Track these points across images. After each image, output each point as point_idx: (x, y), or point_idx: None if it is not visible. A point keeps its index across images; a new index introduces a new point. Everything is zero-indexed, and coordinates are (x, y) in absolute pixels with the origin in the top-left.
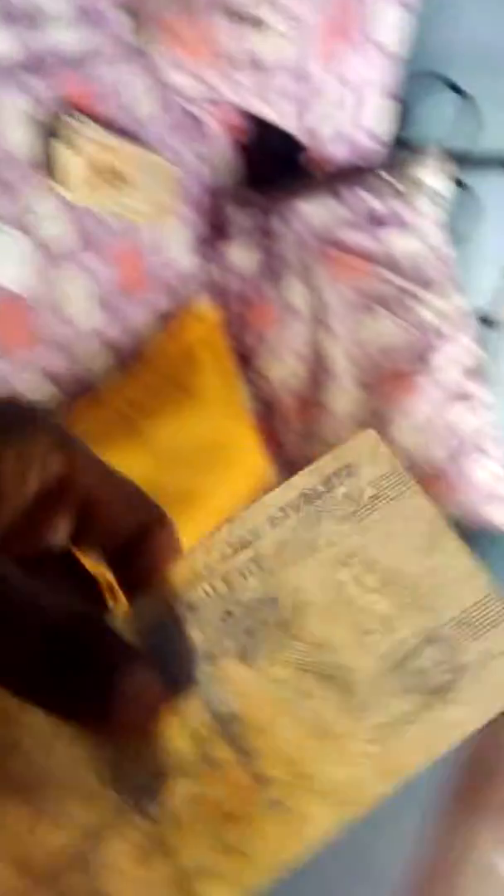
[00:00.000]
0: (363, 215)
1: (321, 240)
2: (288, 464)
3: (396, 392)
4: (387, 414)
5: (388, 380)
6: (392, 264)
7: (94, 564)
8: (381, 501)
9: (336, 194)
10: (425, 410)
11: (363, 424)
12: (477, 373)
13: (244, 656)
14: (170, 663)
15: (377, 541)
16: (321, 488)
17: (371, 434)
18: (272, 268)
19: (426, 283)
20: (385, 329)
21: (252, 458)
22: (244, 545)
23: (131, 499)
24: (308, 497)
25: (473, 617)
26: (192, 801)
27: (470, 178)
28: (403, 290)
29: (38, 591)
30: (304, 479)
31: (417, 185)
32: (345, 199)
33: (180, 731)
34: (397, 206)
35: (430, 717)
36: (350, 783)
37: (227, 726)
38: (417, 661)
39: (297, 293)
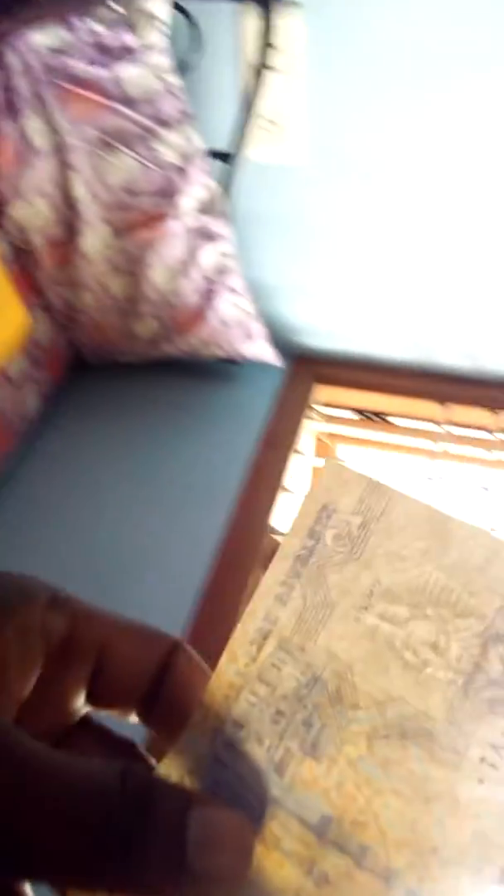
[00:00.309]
0: (94, 46)
1: (54, 72)
2: (48, 309)
3: (147, 234)
4: (140, 257)
5: (138, 222)
6: (127, 100)
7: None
8: (371, 524)
9: (66, 24)
10: (176, 252)
11: (117, 269)
12: (218, 211)
13: (313, 751)
14: (239, 793)
15: (386, 566)
16: (310, 542)
17: (331, 464)
18: (8, 102)
19: (162, 120)
20: (127, 167)
21: (9, 308)
22: (265, 636)
23: (143, 637)
24: (303, 558)
25: None
26: None
27: (196, 9)
28: (141, 127)
29: (71, 762)
30: (291, 543)
31: (146, 16)
32: (75, 28)
33: (280, 860)
34: (127, 38)
35: None
36: (479, 834)
37: (325, 831)
38: (486, 670)
39: (35, 130)
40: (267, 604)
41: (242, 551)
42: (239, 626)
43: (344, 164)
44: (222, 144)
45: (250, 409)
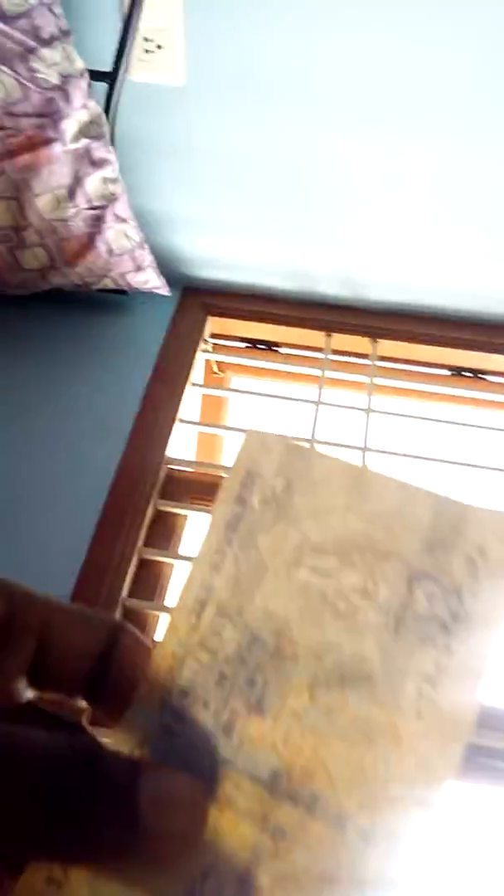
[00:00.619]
0: None
1: None
2: None
3: (29, 159)
4: (23, 183)
5: (19, 146)
6: (0, 14)
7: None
8: (294, 484)
9: None
10: (61, 178)
11: (2, 196)
12: (102, 134)
13: (258, 708)
14: (189, 759)
15: (312, 522)
16: (238, 509)
17: (252, 433)
18: None
19: (40, 37)
20: (4, 86)
21: None
22: (203, 604)
23: (84, 619)
24: (232, 525)
25: (437, 532)
26: (284, 882)
27: None
28: (17, 43)
29: (17, 731)
30: (220, 512)
31: None
32: None
33: (234, 819)
34: None
35: (461, 648)
36: (422, 765)
37: (276, 785)
38: (413, 607)
39: None
40: (202, 573)
41: (139, 483)
42: (178, 597)
43: (225, 84)
44: (102, 65)
45: (142, 340)
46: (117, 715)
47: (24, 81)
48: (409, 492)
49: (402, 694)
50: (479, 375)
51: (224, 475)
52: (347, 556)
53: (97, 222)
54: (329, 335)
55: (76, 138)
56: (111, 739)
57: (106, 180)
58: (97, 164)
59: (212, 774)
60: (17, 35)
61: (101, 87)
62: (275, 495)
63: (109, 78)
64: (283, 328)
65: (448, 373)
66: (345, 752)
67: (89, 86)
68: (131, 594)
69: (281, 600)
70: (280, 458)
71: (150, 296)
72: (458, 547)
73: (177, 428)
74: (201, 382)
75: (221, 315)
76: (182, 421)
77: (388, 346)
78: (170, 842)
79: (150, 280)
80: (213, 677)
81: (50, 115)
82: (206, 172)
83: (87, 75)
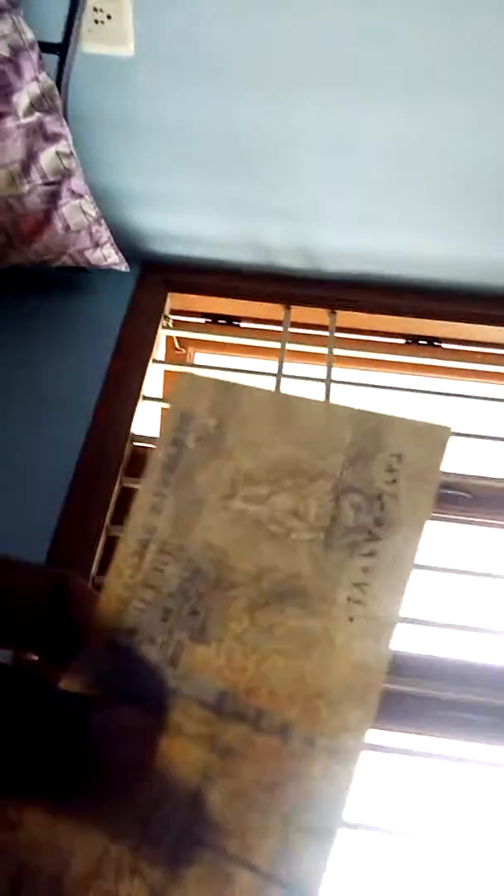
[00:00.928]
0: None
1: None
2: None
3: None
4: None
5: None
6: None
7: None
8: (226, 421)
9: None
10: (14, 153)
11: None
12: (54, 108)
13: (201, 636)
14: (139, 694)
15: (244, 453)
16: (174, 450)
17: (184, 375)
18: None
19: None
20: None
21: None
22: (145, 545)
23: (31, 572)
24: (170, 466)
25: (358, 447)
26: (234, 797)
27: None
28: None
29: None
30: (157, 455)
31: None
32: None
33: (184, 745)
34: None
35: (385, 549)
36: (358, 665)
37: (223, 706)
38: (341, 521)
39: None
40: (143, 516)
41: (105, 461)
42: (119, 543)
43: (175, 55)
44: (52, 37)
45: (103, 318)
46: (67, 662)
47: None
48: (331, 411)
49: (335, 602)
50: (435, 343)
51: None
52: (279, 482)
53: (52, 198)
54: (288, 308)
55: (28, 112)
56: (62, 684)
57: (60, 155)
58: (50, 138)
59: (161, 705)
60: None
61: (52, 59)
62: (209, 433)
63: (60, 49)
64: (242, 302)
65: (404, 342)
66: (284, 665)
67: (40, 58)
68: (100, 571)
69: (218, 532)
70: (212, 398)
71: (109, 273)
72: (377, 457)
73: (140, 405)
74: (163, 359)
75: (181, 290)
76: (146, 398)
77: (346, 318)
78: (122, 772)
79: (109, 256)
80: (158, 613)
81: (1, 89)
82: (160, 146)
83: (37, 47)
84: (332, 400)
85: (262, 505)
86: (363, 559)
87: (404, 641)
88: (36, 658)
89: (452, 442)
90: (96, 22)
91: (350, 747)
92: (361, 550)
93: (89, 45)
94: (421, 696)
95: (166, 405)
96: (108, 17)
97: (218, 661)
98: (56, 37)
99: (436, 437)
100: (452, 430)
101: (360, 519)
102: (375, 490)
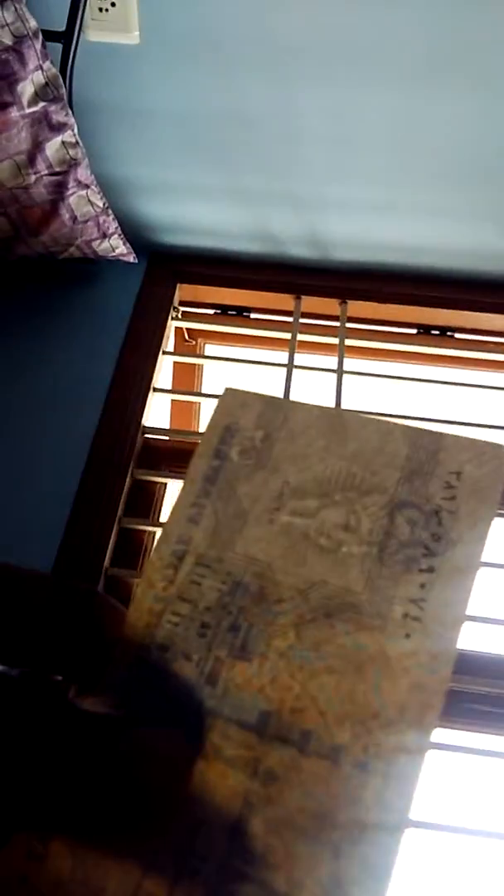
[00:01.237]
0: None
1: None
2: None
3: None
4: None
5: None
6: None
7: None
8: (273, 434)
9: None
10: (22, 145)
11: None
12: (59, 97)
13: (242, 653)
14: (172, 714)
15: (292, 467)
16: (216, 462)
17: (229, 391)
18: None
19: None
20: None
21: None
22: (181, 557)
23: (56, 586)
24: (211, 478)
25: (414, 463)
26: (279, 826)
27: None
28: None
29: None
30: (197, 466)
31: None
32: None
33: (223, 770)
34: None
35: (444, 565)
36: (415, 685)
37: (266, 728)
38: (396, 535)
39: None
40: (179, 527)
41: (116, 453)
42: (152, 553)
43: (181, 42)
44: (56, 24)
45: (112, 310)
46: (95, 682)
47: None
48: (386, 428)
49: (390, 618)
50: (447, 333)
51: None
52: (328, 496)
53: (59, 188)
54: (298, 298)
55: (33, 101)
56: (89, 703)
57: (66, 144)
58: (56, 128)
59: (196, 726)
60: None
61: (56, 49)
62: (254, 446)
63: (64, 38)
64: (252, 293)
65: (416, 331)
66: (335, 685)
67: (44, 46)
68: (113, 564)
69: (262, 544)
70: (258, 412)
71: (117, 264)
72: (435, 473)
73: (151, 397)
74: (173, 350)
75: (190, 281)
76: (156, 389)
77: (357, 307)
78: (153, 797)
79: (117, 247)
80: (194, 628)
81: (4, 79)
82: (167, 135)
83: (40, 35)
84: (345, 392)
85: (310, 518)
86: (420, 575)
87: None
88: (61, 678)
89: (465, 432)
90: (100, 10)
91: (407, 772)
92: (419, 566)
93: (94, 33)
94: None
95: (177, 397)
96: (113, 4)
97: (261, 679)
98: (60, 25)
99: (497, 456)
100: None
101: (417, 535)
102: (433, 506)
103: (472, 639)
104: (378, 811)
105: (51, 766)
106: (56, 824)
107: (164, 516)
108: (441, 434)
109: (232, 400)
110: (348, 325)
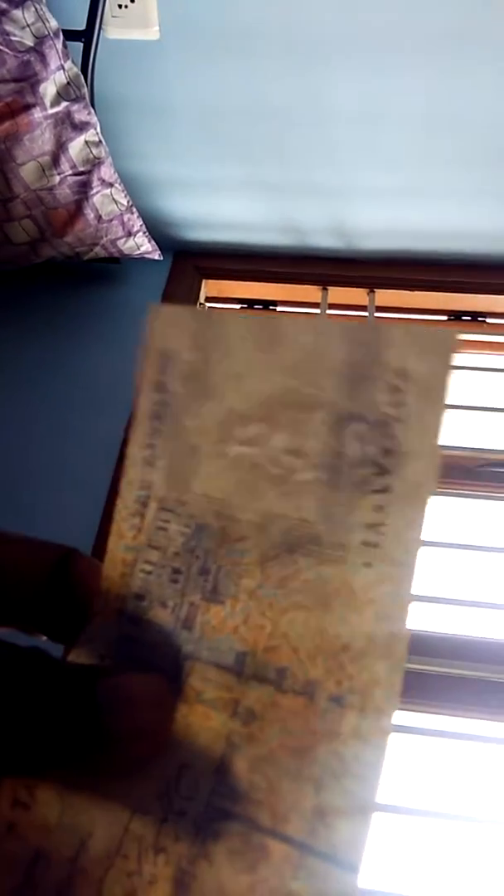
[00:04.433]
0: None
1: None
2: None
3: (10, 127)
4: (10, 156)
5: (1, 117)
6: None
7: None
8: (210, 355)
9: None
10: (46, 146)
11: None
12: (81, 96)
13: (214, 596)
14: (152, 660)
15: (234, 392)
16: (158, 395)
17: (157, 310)
18: None
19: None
20: None
21: None
22: (144, 503)
23: (30, 547)
24: (157, 414)
25: (356, 366)
26: (261, 764)
27: None
28: None
29: None
30: (142, 404)
31: None
32: None
33: (204, 712)
34: None
35: (398, 484)
36: (381, 614)
37: (243, 668)
38: (346, 454)
39: None
40: (137, 472)
41: None
42: (118, 502)
43: (202, 37)
44: (76, 24)
45: (138, 308)
46: (73, 639)
47: None
48: (322, 328)
49: (350, 547)
50: (479, 318)
51: None
52: (273, 418)
53: (83, 188)
54: (325, 289)
55: (55, 102)
56: (70, 656)
57: (89, 143)
58: (79, 127)
59: (176, 670)
60: None
61: (76, 47)
62: (194, 370)
63: (84, 37)
64: (278, 286)
65: (447, 318)
66: (304, 620)
67: (65, 46)
68: None
69: (218, 481)
70: (192, 331)
71: (142, 262)
72: (378, 376)
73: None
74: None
75: (216, 277)
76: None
77: (385, 296)
78: (136, 742)
79: (142, 245)
80: (166, 575)
81: (27, 80)
82: (189, 130)
83: (61, 35)
84: None
85: (258, 446)
86: (375, 496)
87: (422, 620)
88: (43, 636)
89: (496, 418)
90: (120, 6)
91: (381, 704)
92: (372, 486)
93: (114, 30)
94: (438, 675)
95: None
96: (132, 0)
97: (234, 620)
98: (80, 24)
99: (442, 345)
100: (458, 336)
101: (367, 451)
102: (380, 415)
103: (423, 620)
104: (356, 743)
105: (34, 713)
106: (42, 772)
107: None
108: (381, 327)
109: (160, 320)
110: (377, 314)
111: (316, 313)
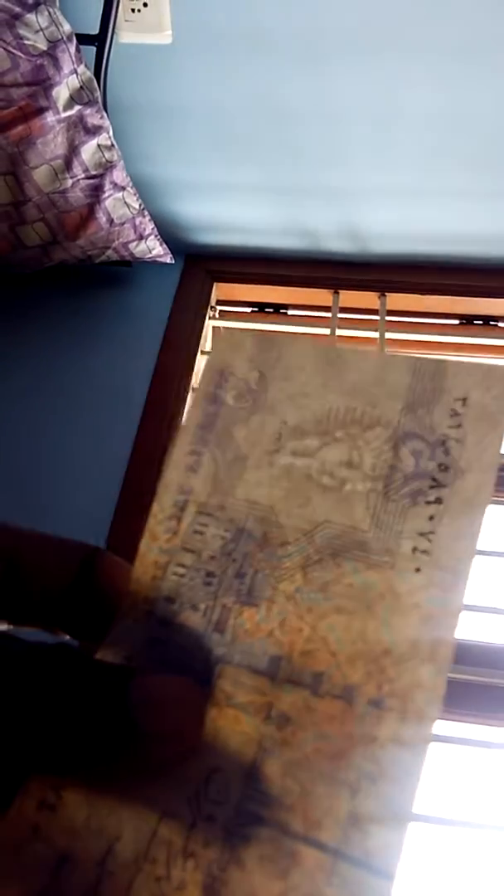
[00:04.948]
0: None
1: None
2: None
3: (23, 131)
4: (19, 156)
5: (11, 118)
6: None
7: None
8: (268, 375)
9: None
10: (58, 150)
11: None
12: (94, 100)
13: (249, 599)
14: (182, 663)
15: (290, 406)
16: (212, 409)
17: (224, 331)
18: None
19: (26, 3)
20: None
21: None
22: (182, 507)
23: (55, 546)
24: (206, 425)
25: (416, 392)
26: (294, 768)
27: None
28: (4, 11)
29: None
30: (193, 413)
31: None
32: None
33: (235, 715)
34: None
35: (452, 497)
36: (426, 618)
37: (277, 672)
38: (401, 468)
39: None
40: (178, 477)
41: (157, 453)
42: (154, 505)
43: (214, 39)
44: (89, 28)
45: (149, 312)
46: (99, 640)
47: (12, 49)
48: (386, 359)
49: (398, 554)
50: (491, 322)
51: None
52: (329, 433)
53: (95, 192)
54: (336, 293)
55: (68, 105)
56: (98, 656)
57: (101, 147)
58: (91, 131)
59: (206, 674)
60: (1, 1)
61: (90, 52)
62: (249, 388)
63: (97, 41)
64: (289, 289)
65: (458, 322)
66: (345, 624)
67: (78, 50)
68: None
69: (264, 488)
70: (251, 352)
71: (153, 266)
72: (439, 401)
73: (191, 396)
74: (211, 350)
75: (227, 280)
76: (195, 389)
77: (396, 300)
78: (165, 744)
79: (154, 248)
80: (199, 578)
81: (40, 83)
82: (201, 133)
83: (74, 39)
84: None
85: (311, 458)
86: (428, 507)
87: (467, 629)
88: (67, 636)
89: None
90: (133, 10)
91: (423, 708)
92: (426, 498)
93: (127, 34)
94: (473, 683)
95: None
96: (145, 4)
97: (269, 623)
98: (93, 28)
99: (503, 379)
100: None
101: (423, 465)
102: (438, 435)
103: (467, 628)
104: (395, 748)
105: (65, 709)
106: (70, 771)
107: None
108: (444, 360)
109: (223, 341)
110: (388, 318)
111: (328, 316)
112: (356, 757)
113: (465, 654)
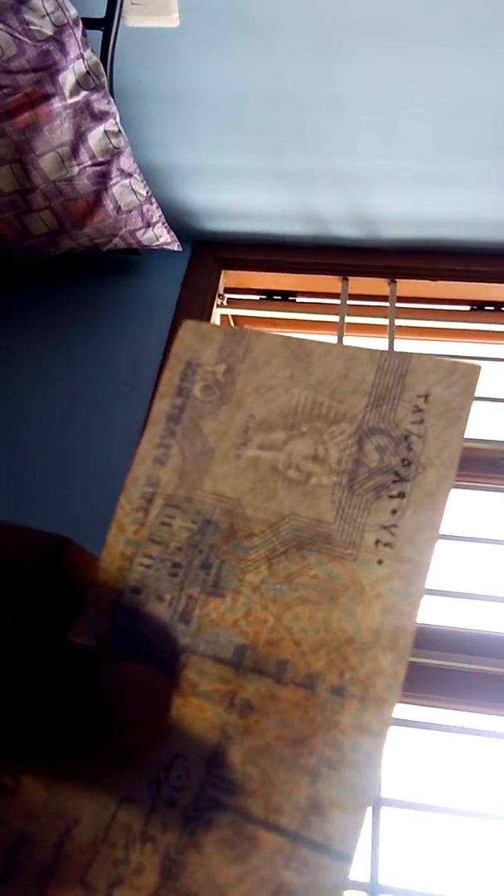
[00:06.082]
0: None
1: None
2: None
3: (29, 117)
4: (29, 146)
5: (17, 104)
6: None
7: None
8: (235, 367)
9: None
10: (65, 137)
11: (2, 159)
12: (100, 85)
13: (215, 590)
14: (147, 653)
15: (257, 400)
16: (180, 400)
17: (188, 324)
18: None
19: None
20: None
21: None
22: (150, 499)
23: (22, 536)
24: (174, 416)
25: (381, 388)
26: (256, 755)
27: None
28: None
29: None
30: (160, 405)
31: None
32: None
33: (200, 704)
34: None
35: (415, 490)
36: (388, 609)
37: (241, 661)
38: (365, 463)
39: None
40: (146, 469)
41: None
42: (121, 498)
43: (221, 23)
44: (95, 12)
45: (157, 299)
46: (65, 629)
47: (18, 35)
48: (351, 353)
49: (362, 546)
50: (502, 308)
51: None
52: (296, 427)
53: (102, 178)
54: (345, 280)
55: (75, 91)
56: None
57: (108, 133)
58: (98, 117)
59: (171, 663)
60: None
61: (95, 36)
62: (217, 381)
63: (104, 25)
64: (298, 276)
65: (469, 308)
66: (309, 614)
67: (84, 34)
68: None
69: (231, 481)
70: (219, 344)
71: (161, 254)
72: (402, 397)
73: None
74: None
75: (235, 268)
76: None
77: (406, 286)
78: (133, 731)
79: (161, 236)
80: (165, 569)
81: (46, 69)
82: (208, 119)
83: (81, 24)
84: None
85: (278, 451)
86: (391, 501)
87: (430, 614)
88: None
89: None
90: None
91: (383, 694)
92: (389, 492)
93: (133, 18)
94: (443, 669)
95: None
96: None
97: (234, 614)
98: (99, 12)
99: (465, 376)
100: (482, 368)
101: (386, 460)
102: (402, 431)
103: (437, 614)
104: (355, 734)
105: (36, 688)
106: (33, 755)
107: None
108: (408, 355)
109: (191, 334)
110: (398, 304)
111: (336, 304)
112: (318, 743)
113: (435, 640)
